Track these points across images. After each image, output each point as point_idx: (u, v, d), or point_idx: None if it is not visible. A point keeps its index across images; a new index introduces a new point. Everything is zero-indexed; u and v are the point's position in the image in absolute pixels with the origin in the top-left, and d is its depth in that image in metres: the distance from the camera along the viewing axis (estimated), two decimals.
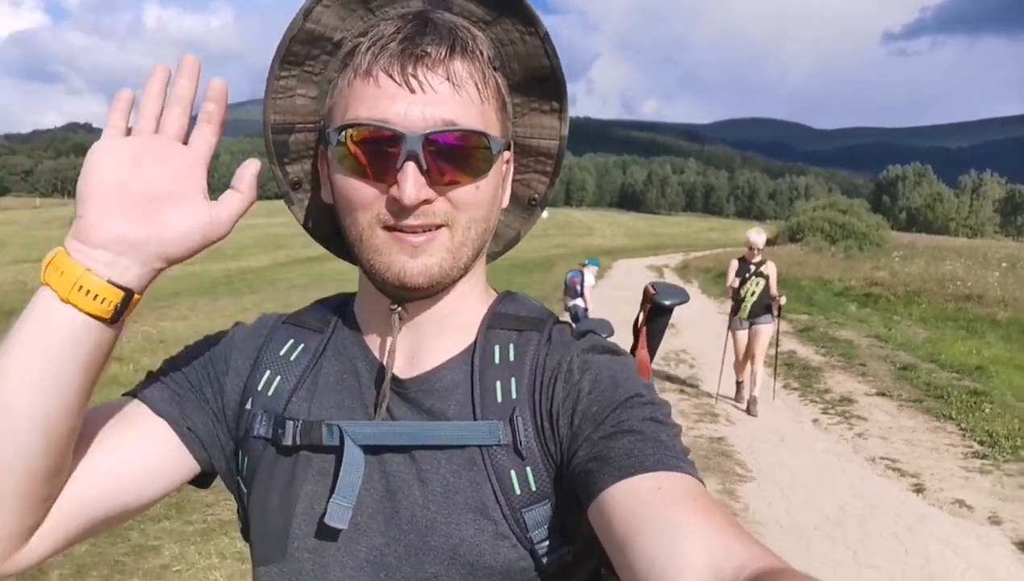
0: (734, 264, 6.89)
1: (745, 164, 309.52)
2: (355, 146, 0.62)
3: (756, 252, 6.76)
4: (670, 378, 7.70)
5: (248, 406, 0.71)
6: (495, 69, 0.67)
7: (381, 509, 0.66)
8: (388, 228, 0.63)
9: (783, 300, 6.81)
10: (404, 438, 0.66)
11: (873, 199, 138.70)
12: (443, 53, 0.61)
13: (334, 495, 0.64)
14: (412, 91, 0.60)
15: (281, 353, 0.73)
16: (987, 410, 6.52)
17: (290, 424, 0.67)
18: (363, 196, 0.63)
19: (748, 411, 6.44)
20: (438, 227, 0.63)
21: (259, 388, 0.71)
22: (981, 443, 5.64)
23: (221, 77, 0.63)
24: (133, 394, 0.71)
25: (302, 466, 0.67)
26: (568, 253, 29.44)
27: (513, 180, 0.74)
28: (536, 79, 0.70)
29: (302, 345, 0.73)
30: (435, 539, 0.64)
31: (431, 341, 0.70)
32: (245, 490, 0.71)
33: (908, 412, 6.65)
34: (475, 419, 0.66)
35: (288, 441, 0.67)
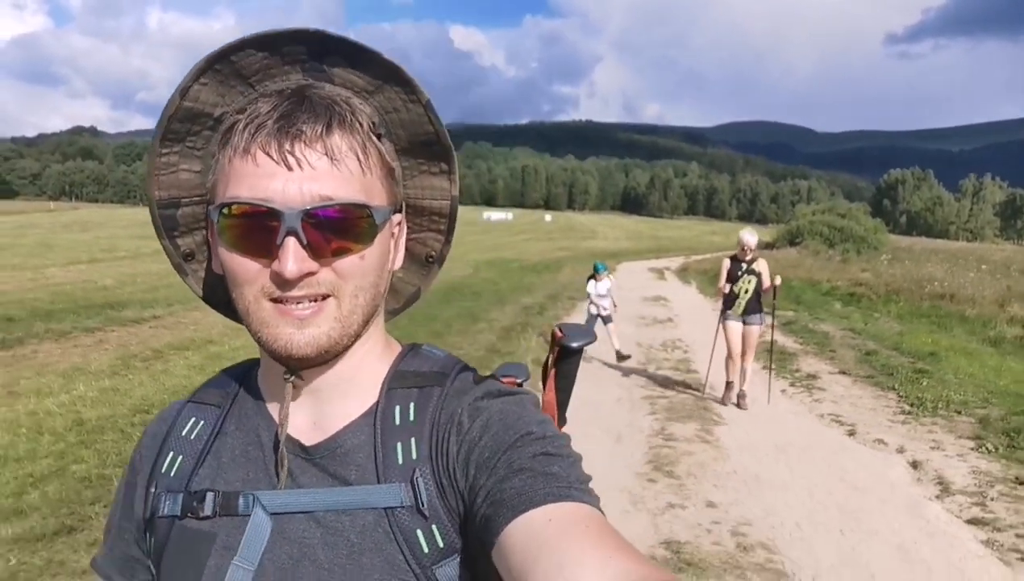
0: (726, 263, 7.09)
1: (747, 167, 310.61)
2: (236, 223, 0.63)
3: (748, 251, 6.92)
4: (667, 359, 9.19)
5: (153, 489, 0.73)
6: (379, 136, 0.68)
7: (283, 577, 0.66)
8: (274, 300, 0.64)
9: (778, 280, 7.08)
10: (311, 504, 0.67)
11: (874, 203, 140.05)
12: (319, 129, 0.62)
13: (236, 557, 0.66)
14: (290, 168, 0.61)
15: (183, 433, 0.75)
16: (924, 383, 7.98)
17: (210, 495, 0.69)
18: (247, 270, 0.64)
19: (738, 405, 6.84)
20: (324, 298, 0.64)
21: (162, 470, 0.73)
22: (911, 405, 7.11)
23: None
24: (96, 567, 0.78)
25: (206, 542, 0.68)
26: (573, 256, 30.79)
27: (409, 239, 0.76)
28: (422, 144, 0.72)
29: (202, 422, 0.75)
30: None
31: (332, 406, 0.71)
32: (155, 571, 0.73)
33: (860, 385, 8.12)
34: (378, 482, 0.67)
35: (208, 512, 0.69)
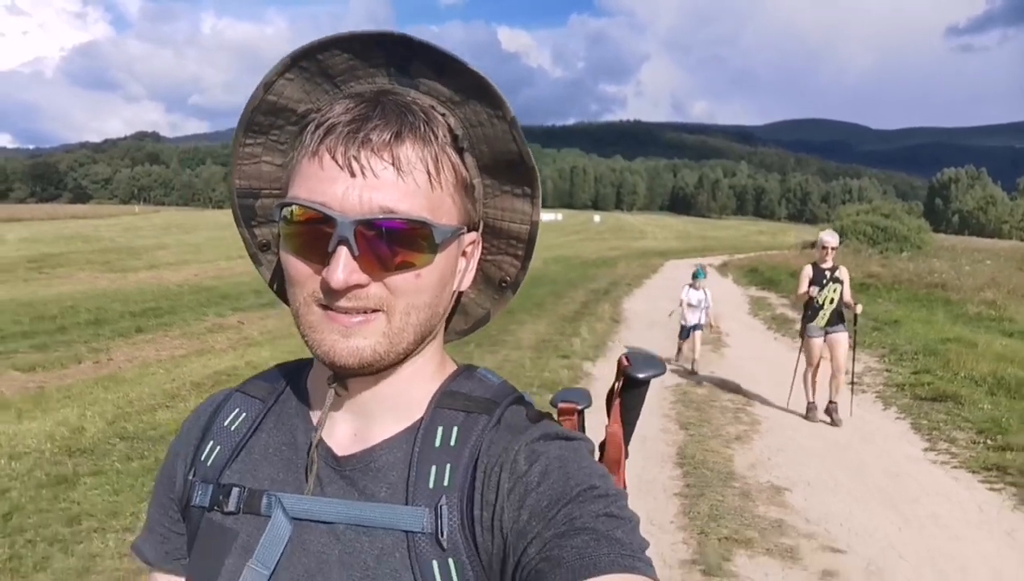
0: (807, 271, 6.72)
1: (799, 166, 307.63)
2: (295, 225, 0.62)
3: (829, 255, 6.59)
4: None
5: (191, 476, 0.74)
6: (463, 150, 0.67)
7: None
8: (323, 306, 0.63)
9: (859, 308, 6.80)
10: (332, 515, 0.66)
11: (928, 202, 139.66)
12: (388, 137, 0.61)
13: (252, 559, 0.66)
14: (353, 175, 0.60)
15: (225, 423, 0.75)
16: (874, 335, 11.88)
17: (235, 491, 0.69)
18: (299, 273, 0.63)
19: (832, 421, 6.56)
20: (374, 311, 0.63)
21: (202, 458, 0.74)
22: (857, 343, 11.07)
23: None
24: (135, 550, 0.79)
25: (228, 539, 0.69)
26: (625, 254, 34.54)
27: (484, 260, 0.75)
28: (506, 163, 0.70)
29: (244, 414, 0.75)
30: None
31: (375, 419, 0.70)
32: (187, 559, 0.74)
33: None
34: (406, 503, 0.65)
35: (231, 508, 0.69)
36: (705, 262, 34.36)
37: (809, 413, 6.74)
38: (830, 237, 6.74)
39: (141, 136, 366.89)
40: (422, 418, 0.69)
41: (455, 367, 0.76)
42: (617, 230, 66.00)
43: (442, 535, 0.63)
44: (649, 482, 5.04)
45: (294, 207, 0.62)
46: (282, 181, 0.70)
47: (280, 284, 0.75)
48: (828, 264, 6.64)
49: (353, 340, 0.63)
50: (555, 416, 0.82)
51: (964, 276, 21.16)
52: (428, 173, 0.63)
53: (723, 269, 28.87)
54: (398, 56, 0.66)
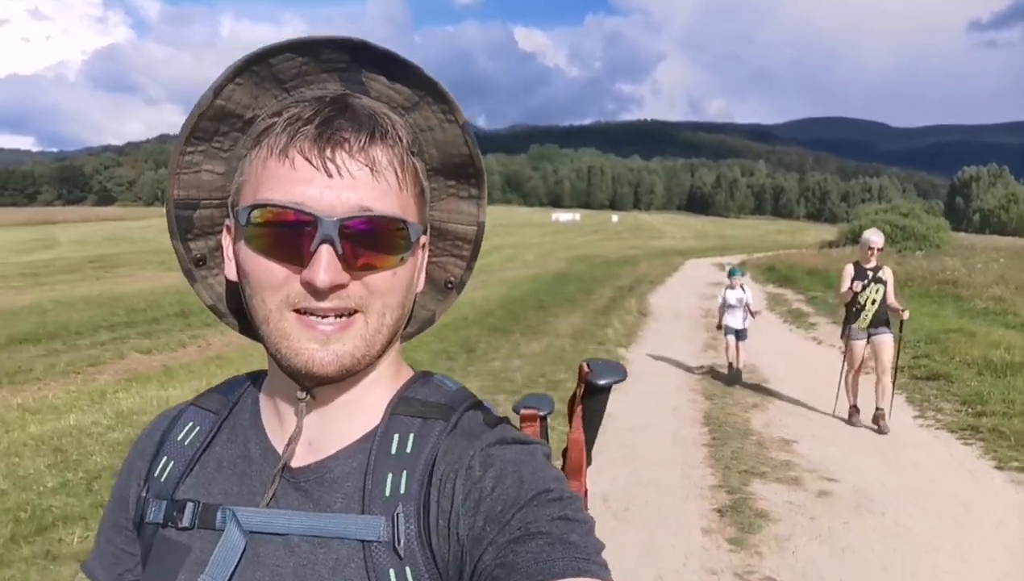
0: (849, 270, 6.55)
1: (817, 165, 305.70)
2: (268, 227, 0.61)
3: (874, 255, 6.38)
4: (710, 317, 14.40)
5: (144, 493, 0.73)
6: (413, 154, 0.67)
7: None
8: (299, 311, 0.62)
9: (906, 315, 6.49)
10: (287, 528, 0.66)
11: (949, 200, 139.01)
12: (363, 140, 0.62)
13: (204, 573, 0.65)
14: (330, 175, 0.61)
15: (179, 437, 0.75)
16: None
17: (189, 506, 0.69)
18: (274, 277, 0.62)
19: (878, 428, 6.27)
20: (352, 313, 0.63)
21: (155, 475, 0.73)
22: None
23: None
24: (85, 571, 0.78)
25: (181, 555, 0.68)
26: (645, 253, 35.63)
27: (429, 262, 0.75)
28: (455, 165, 0.71)
29: (198, 428, 0.75)
30: None
31: (332, 427, 0.69)
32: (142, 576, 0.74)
33: (837, 323, 13.13)
34: (363, 512, 0.65)
35: (186, 523, 0.69)
36: (725, 261, 35.73)
37: (852, 418, 6.54)
38: (876, 236, 6.57)
39: (163, 139, 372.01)
40: (378, 426, 0.69)
41: (411, 373, 0.76)
42: (635, 230, 66.83)
43: (399, 543, 0.63)
44: (682, 438, 6.18)
45: (266, 210, 0.62)
46: (224, 190, 0.70)
47: (219, 300, 0.76)
48: (872, 264, 6.48)
49: (332, 346, 0.63)
50: (518, 423, 0.85)
51: (976, 273, 21.99)
52: (397, 175, 0.64)
53: (741, 267, 29.85)
54: (353, 60, 0.67)
